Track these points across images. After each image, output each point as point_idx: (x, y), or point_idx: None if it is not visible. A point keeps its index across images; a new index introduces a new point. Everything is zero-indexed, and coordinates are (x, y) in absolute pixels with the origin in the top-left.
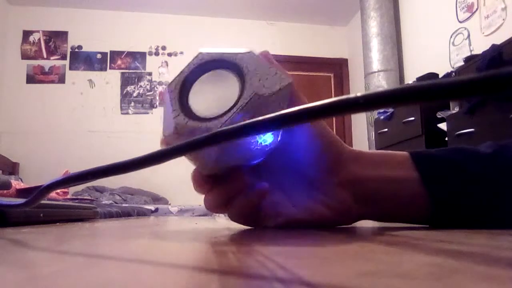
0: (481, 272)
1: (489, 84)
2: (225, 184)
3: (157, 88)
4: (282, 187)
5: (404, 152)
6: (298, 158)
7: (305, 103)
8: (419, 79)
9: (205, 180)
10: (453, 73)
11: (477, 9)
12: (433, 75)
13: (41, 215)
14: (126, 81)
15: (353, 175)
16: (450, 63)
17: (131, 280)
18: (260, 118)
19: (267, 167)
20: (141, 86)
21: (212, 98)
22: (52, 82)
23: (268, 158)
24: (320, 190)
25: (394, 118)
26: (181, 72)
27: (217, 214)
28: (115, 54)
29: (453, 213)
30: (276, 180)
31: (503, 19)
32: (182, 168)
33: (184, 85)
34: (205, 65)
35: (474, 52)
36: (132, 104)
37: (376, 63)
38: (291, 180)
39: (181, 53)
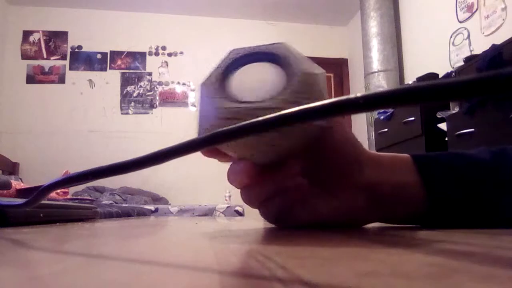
0: (481, 272)
1: (489, 84)
2: (274, 177)
3: (157, 88)
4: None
5: (407, 156)
6: (317, 161)
7: None
8: (419, 79)
9: (257, 172)
10: (453, 73)
11: (477, 9)
12: (433, 75)
13: (41, 215)
14: (126, 81)
15: (368, 179)
16: (450, 63)
17: (131, 280)
18: (260, 118)
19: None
20: (141, 86)
21: (255, 87)
22: (52, 82)
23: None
24: (335, 194)
25: (394, 118)
26: (217, 67)
27: (218, 215)
28: (115, 54)
29: (450, 219)
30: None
31: (503, 19)
32: (182, 168)
33: (222, 80)
34: (241, 60)
35: (474, 52)
36: (132, 104)
37: (376, 63)
38: (309, 183)
39: (181, 53)
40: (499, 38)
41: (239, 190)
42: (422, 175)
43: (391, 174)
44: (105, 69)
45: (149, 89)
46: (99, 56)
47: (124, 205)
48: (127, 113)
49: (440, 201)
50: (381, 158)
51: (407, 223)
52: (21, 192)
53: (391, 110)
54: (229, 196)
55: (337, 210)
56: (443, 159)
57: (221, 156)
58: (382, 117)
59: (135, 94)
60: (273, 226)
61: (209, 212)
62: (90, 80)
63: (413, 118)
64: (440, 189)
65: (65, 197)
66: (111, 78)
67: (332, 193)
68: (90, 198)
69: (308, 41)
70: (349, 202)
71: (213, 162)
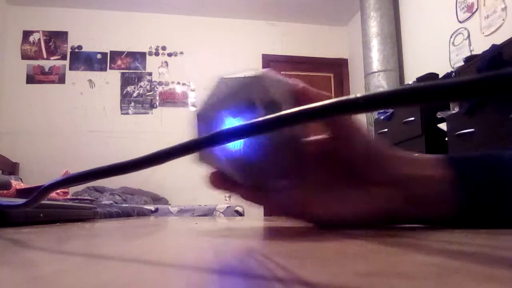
0: (481, 272)
1: (489, 85)
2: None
3: (157, 88)
4: (328, 186)
5: (440, 155)
6: (344, 159)
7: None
8: (419, 79)
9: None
10: (453, 73)
11: (477, 9)
12: (433, 75)
13: (41, 215)
14: (126, 81)
15: (401, 174)
16: (450, 63)
17: (131, 280)
18: (260, 119)
19: (316, 168)
20: (141, 86)
21: None
22: (52, 82)
23: (315, 160)
24: (370, 190)
25: (394, 118)
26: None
27: (218, 215)
28: (115, 54)
29: (480, 217)
30: (324, 180)
31: (503, 19)
32: (182, 168)
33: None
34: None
35: (474, 52)
36: (132, 104)
37: (376, 63)
38: (338, 179)
39: (181, 53)
40: (499, 38)
41: None
42: (455, 170)
43: (424, 169)
44: (105, 69)
45: (149, 89)
46: (99, 56)
47: (124, 205)
48: (127, 113)
49: (472, 197)
50: (413, 155)
51: (439, 223)
52: (21, 192)
53: (391, 110)
54: (229, 196)
55: (371, 205)
56: (477, 158)
57: (227, 185)
58: (382, 117)
59: (135, 94)
60: (278, 226)
61: (209, 212)
62: (90, 80)
63: (413, 118)
64: (473, 186)
65: (65, 197)
66: (111, 78)
67: (367, 190)
68: (90, 198)
69: (308, 41)
70: (383, 196)
71: None
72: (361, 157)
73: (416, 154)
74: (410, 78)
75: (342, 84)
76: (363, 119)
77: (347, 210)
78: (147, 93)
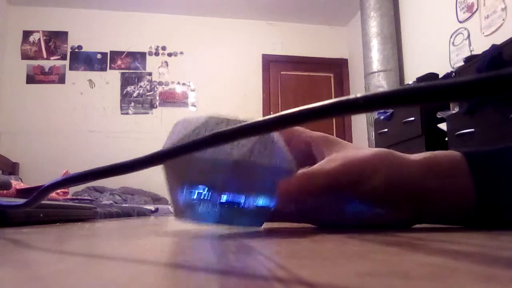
0: (481, 272)
1: (489, 85)
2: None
3: (157, 88)
4: (347, 206)
5: (458, 155)
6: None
7: None
8: (419, 79)
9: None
10: (453, 73)
11: (477, 9)
12: (433, 75)
13: (41, 215)
14: (126, 81)
15: (415, 189)
16: (450, 63)
17: (131, 280)
18: (260, 119)
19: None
20: (141, 86)
21: None
22: (52, 82)
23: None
24: (379, 209)
25: (394, 118)
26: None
27: None
28: (115, 54)
29: (497, 222)
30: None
31: (503, 19)
32: None
33: None
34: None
35: (474, 52)
36: (132, 104)
37: (376, 63)
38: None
39: (181, 53)
40: (499, 38)
41: None
42: (474, 177)
43: (441, 179)
44: (105, 69)
45: (149, 89)
46: (99, 56)
47: (124, 205)
48: (127, 113)
49: (490, 207)
50: (429, 164)
51: (453, 224)
52: (21, 192)
53: (391, 110)
54: None
55: (383, 218)
56: (499, 157)
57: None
58: (382, 117)
59: (135, 94)
60: (278, 226)
61: None
62: (90, 80)
63: (413, 118)
64: (492, 195)
65: (65, 197)
66: (111, 78)
67: (377, 206)
68: (90, 198)
69: (308, 41)
70: (394, 214)
71: None
72: (388, 188)
73: (433, 156)
74: (410, 78)
75: (342, 84)
76: (363, 119)
77: (355, 221)
78: (147, 93)
